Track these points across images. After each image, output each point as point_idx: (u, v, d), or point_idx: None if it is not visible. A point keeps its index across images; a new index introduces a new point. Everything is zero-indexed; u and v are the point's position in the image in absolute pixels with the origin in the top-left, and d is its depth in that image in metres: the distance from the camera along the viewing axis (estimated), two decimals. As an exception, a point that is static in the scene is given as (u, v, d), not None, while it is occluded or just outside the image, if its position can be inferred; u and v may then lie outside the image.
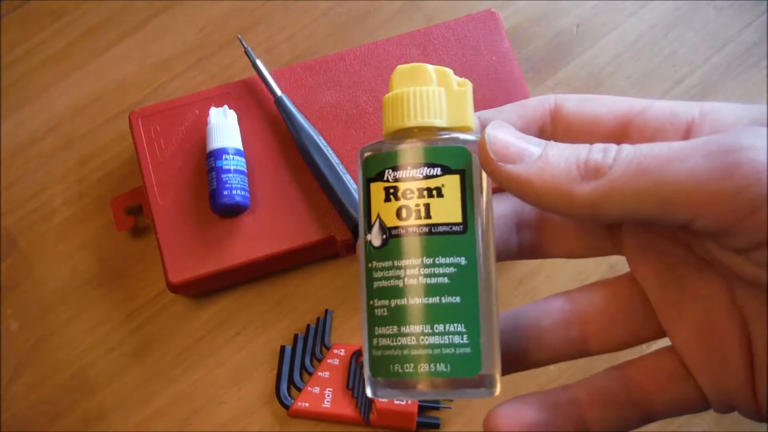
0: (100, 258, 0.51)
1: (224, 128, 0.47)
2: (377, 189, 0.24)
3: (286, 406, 0.47)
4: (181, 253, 0.46)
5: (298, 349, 0.48)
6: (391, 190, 0.24)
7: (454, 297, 0.24)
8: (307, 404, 0.47)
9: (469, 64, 0.50)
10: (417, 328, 0.24)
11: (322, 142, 0.47)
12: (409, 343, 0.23)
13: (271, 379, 0.48)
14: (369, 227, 0.25)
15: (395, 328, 0.24)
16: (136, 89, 0.55)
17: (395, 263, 0.24)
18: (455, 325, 0.24)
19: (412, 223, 0.24)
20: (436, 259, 0.24)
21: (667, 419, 0.47)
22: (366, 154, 0.25)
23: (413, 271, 0.24)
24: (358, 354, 0.47)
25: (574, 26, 0.56)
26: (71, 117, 0.54)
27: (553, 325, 0.28)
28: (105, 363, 0.49)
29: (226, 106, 0.48)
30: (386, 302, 0.24)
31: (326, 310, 0.49)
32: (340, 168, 0.47)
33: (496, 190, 0.26)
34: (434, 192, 0.24)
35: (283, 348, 0.48)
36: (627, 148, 0.23)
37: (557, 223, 0.29)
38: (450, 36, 0.51)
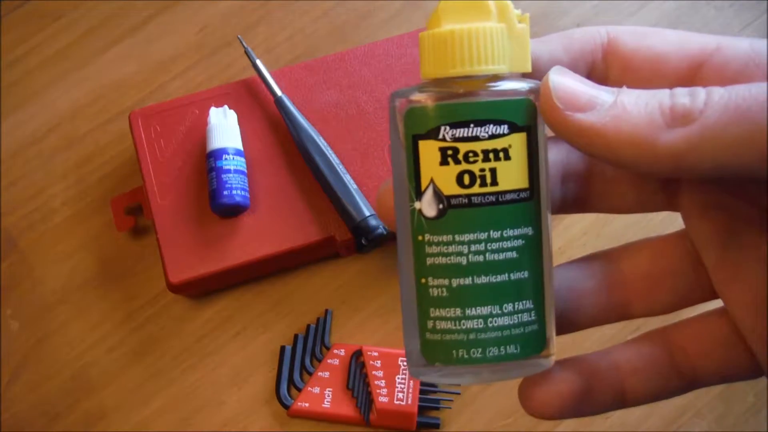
0: (100, 258, 0.51)
1: (224, 128, 0.47)
2: (430, 149, 0.20)
3: (286, 406, 0.47)
4: (181, 253, 0.46)
5: (298, 349, 0.48)
6: (450, 152, 0.20)
7: (522, 272, 0.22)
8: (307, 404, 0.47)
9: (469, 64, 0.50)
10: (485, 310, 0.21)
11: (322, 142, 0.47)
12: (476, 326, 0.21)
13: (271, 379, 0.48)
14: (418, 194, 0.21)
15: (458, 311, 0.21)
16: (136, 89, 0.55)
17: (456, 237, 0.21)
18: (524, 302, 0.22)
19: (476, 191, 0.21)
20: (504, 231, 0.21)
21: (666, 419, 0.47)
22: (411, 105, 0.21)
23: (479, 246, 0.21)
24: (358, 354, 0.47)
25: (574, 26, 0.56)
26: (71, 117, 0.54)
27: (594, 288, 0.26)
28: (105, 363, 0.49)
29: (226, 106, 0.48)
30: (445, 281, 0.21)
31: (326, 310, 0.49)
32: (340, 168, 0.47)
33: None
34: (501, 154, 0.21)
35: (283, 348, 0.48)
36: (719, 91, 0.20)
37: (608, 175, 0.26)
38: (450, 36, 0.51)
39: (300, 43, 0.56)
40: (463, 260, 0.21)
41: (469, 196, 0.21)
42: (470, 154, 0.20)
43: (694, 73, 0.23)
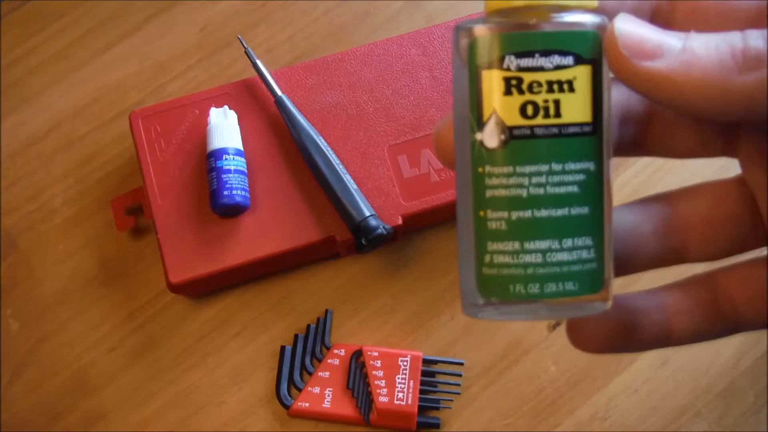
0: (101, 258, 0.51)
1: (224, 128, 0.47)
2: (494, 79, 0.20)
3: (286, 406, 0.47)
4: (181, 253, 0.46)
5: (298, 349, 0.48)
6: (514, 82, 0.20)
7: (582, 207, 0.21)
8: (307, 404, 0.47)
9: (469, 64, 0.50)
10: (544, 244, 0.21)
11: (322, 142, 0.47)
12: (534, 260, 0.21)
13: (271, 379, 0.48)
14: (479, 124, 0.20)
15: (517, 244, 0.21)
16: (136, 89, 0.55)
17: (517, 169, 0.20)
18: (583, 238, 0.21)
19: (539, 122, 0.20)
20: (566, 165, 0.21)
21: (666, 419, 0.47)
22: (476, 35, 0.20)
23: (540, 179, 0.21)
24: (358, 354, 0.47)
25: (574, 26, 0.56)
26: (71, 117, 0.54)
27: (652, 231, 0.26)
28: (105, 363, 0.49)
29: (226, 107, 0.48)
30: (505, 214, 0.21)
31: (326, 310, 0.49)
32: (340, 168, 0.47)
33: None
34: (565, 86, 0.20)
35: (283, 348, 0.48)
36: None
37: (668, 118, 0.25)
38: (450, 36, 0.51)
39: (300, 43, 0.56)
40: (524, 192, 0.21)
41: (532, 127, 0.20)
42: (534, 85, 0.20)
43: (764, 14, 0.22)
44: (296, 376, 0.48)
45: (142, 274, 0.51)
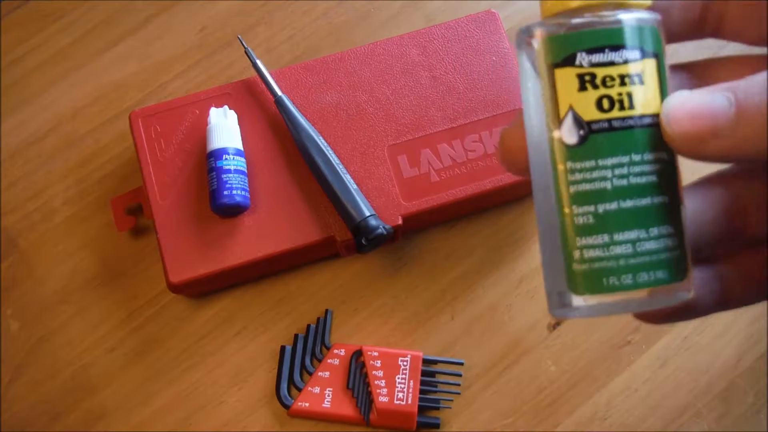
0: (101, 258, 0.51)
1: (224, 128, 0.47)
2: (567, 76, 0.21)
3: (286, 406, 0.47)
4: (181, 253, 0.46)
5: (298, 349, 0.48)
6: (587, 77, 0.21)
7: (663, 196, 0.22)
8: (307, 404, 0.47)
9: (469, 64, 0.50)
10: (632, 234, 0.21)
11: (322, 142, 0.47)
12: (625, 251, 0.21)
13: (271, 379, 0.48)
14: (557, 122, 0.21)
15: (606, 237, 0.21)
16: (136, 89, 0.55)
17: (599, 162, 0.21)
18: (667, 227, 0.22)
19: (615, 115, 0.21)
20: (644, 155, 0.21)
21: (666, 419, 0.47)
22: (544, 35, 0.21)
23: (622, 170, 0.21)
24: (358, 354, 0.47)
25: (574, 26, 0.56)
26: (71, 117, 0.54)
27: (715, 217, 0.25)
28: (105, 363, 0.49)
29: (226, 107, 0.48)
30: (591, 208, 0.21)
31: (326, 310, 0.49)
32: (340, 168, 0.47)
33: None
34: (636, 79, 0.21)
35: (283, 348, 0.48)
36: None
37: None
38: (450, 36, 0.51)
39: (300, 43, 0.56)
40: (608, 185, 0.21)
41: (609, 120, 0.21)
42: (608, 79, 0.21)
43: None
44: (296, 376, 0.48)
45: (142, 274, 0.51)
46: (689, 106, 0.21)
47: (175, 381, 0.49)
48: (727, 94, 0.21)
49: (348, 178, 0.46)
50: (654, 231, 0.22)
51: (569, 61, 0.21)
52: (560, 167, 0.21)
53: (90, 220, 0.52)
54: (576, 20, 0.21)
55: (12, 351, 0.49)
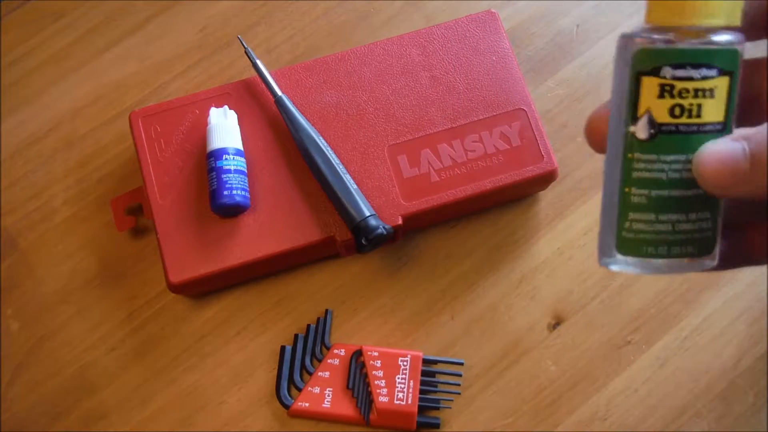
0: (101, 258, 0.51)
1: (224, 128, 0.47)
2: (650, 84, 0.25)
3: (286, 406, 0.47)
4: (181, 253, 0.46)
5: (298, 349, 0.48)
6: (667, 88, 0.24)
7: None
8: (307, 404, 0.47)
9: (469, 64, 0.50)
10: (674, 217, 0.26)
11: (322, 142, 0.47)
12: (665, 229, 0.26)
13: (271, 379, 0.48)
14: (633, 119, 0.25)
15: (653, 216, 0.26)
16: (136, 89, 0.55)
17: (661, 158, 0.25)
18: (705, 212, 0.26)
19: (683, 121, 0.25)
20: None
21: (666, 419, 0.47)
22: (639, 47, 0.25)
23: (678, 166, 0.25)
24: (358, 354, 0.47)
25: (574, 26, 0.56)
26: (71, 117, 0.54)
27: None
28: (105, 363, 0.49)
29: (226, 106, 0.48)
30: (646, 192, 0.26)
31: (326, 310, 0.49)
32: (340, 168, 0.47)
33: None
34: (708, 93, 0.24)
35: (283, 348, 0.48)
36: None
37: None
38: (450, 36, 0.51)
39: (300, 43, 0.56)
40: (664, 176, 0.25)
41: (677, 125, 0.25)
42: (683, 91, 0.25)
43: None
44: (296, 376, 0.48)
45: (142, 274, 0.51)
46: (715, 155, 0.24)
47: (175, 381, 0.49)
48: (743, 144, 0.24)
49: (348, 178, 0.46)
50: (692, 216, 0.26)
51: (655, 72, 0.25)
52: (629, 155, 0.26)
53: (90, 220, 0.52)
54: (666, 37, 0.25)
55: (12, 351, 0.49)
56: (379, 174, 0.48)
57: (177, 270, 0.46)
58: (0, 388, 0.49)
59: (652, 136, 0.25)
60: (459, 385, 0.47)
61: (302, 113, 0.48)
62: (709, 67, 0.24)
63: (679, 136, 0.25)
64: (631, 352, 0.49)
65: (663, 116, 0.25)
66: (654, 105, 0.25)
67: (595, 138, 0.28)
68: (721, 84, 0.25)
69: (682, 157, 0.25)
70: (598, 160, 0.53)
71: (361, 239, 0.45)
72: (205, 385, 0.49)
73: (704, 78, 0.24)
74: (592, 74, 0.55)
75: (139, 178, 0.50)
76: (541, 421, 0.48)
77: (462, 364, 0.48)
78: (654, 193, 0.26)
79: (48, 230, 0.52)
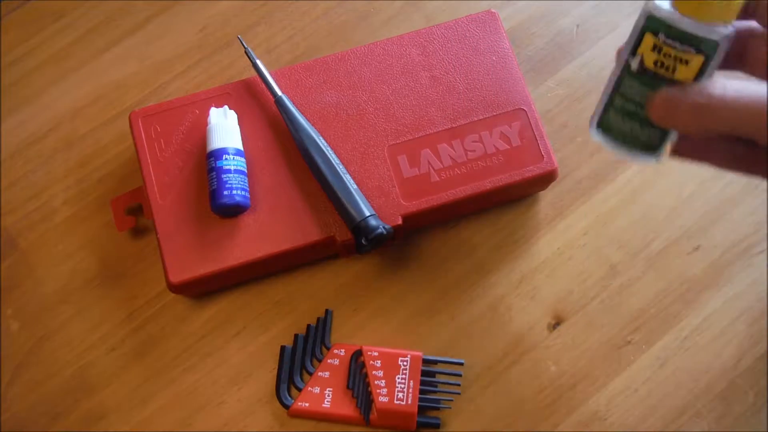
0: (101, 258, 0.51)
1: (224, 128, 0.47)
2: (649, 39, 0.34)
3: (286, 406, 0.47)
4: (181, 253, 0.47)
5: (298, 349, 0.48)
6: (657, 46, 0.33)
7: None
8: (307, 404, 0.47)
9: (469, 64, 0.50)
10: (634, 124, 0.36)
11: (322, 142, 0.47)
12: (627, 128, 0.36)
13: (271, 379, 0.48)
14: (632, 55, 0.34)
15: (621, 117, 0.36)
16: (136, 89, 0.55)
17: (639, 86, 0.35)
18: (654, 129, 0.35)
19: (661, 72, 0.34)
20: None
21: (666, 419, 0.47)
22: (654, 13, 0.33)
23: (645, 94, 0.34)
24: (358, 354, 0.47)
25: (574, 26, 0.56)
26: (71, 117, 0.54)
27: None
28: (105, 363, 0.49)
29: (226, 106, 0.48)
30: (622, 102, 0.36)
31: (326, 310, 0.49)
32: (340, 168, 0.47)
33: None
34: (683, 61, 0.33)
35: (283, 348, 0.48)
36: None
37: None
38: (450, 36, 0.51)
39: (300, 43, 0.56)
40: (636, 97, 0.35)
41: (655, 72, 0.34)
42: (667, 54, 0.33)
43: None
44: (296, 376, 0.48)
45: (142, 274, 0.51)
46: (663, 95, 0.34)
47: (175, 381, 0.49)
48: (681, 94, 0.33)
49: (348, 178, 0.46)
50: (645, 128, 0.36)
51: (654, 33, 0.33)
52: (622, 75, 0.35)
53: (90, 220, 0.52)
54: (671, 14, 0.33)
55: (12, 351, 0.49)
56: (379, 174, 0.48)
57: (177, 270, 0.46)
58: (0, 388, 0.49)
59: (639, 72, 0.34)
60: (459, 385, 0.47)
61: (302, 113, 0.48)
62: (690, 45, 0.33)
63: (655, 78, 0.34)
64: (631, 352, 0.49)
65: (649, 63, 0.34)
66: (646, 53, 0.34)
67: (618, 53, 0.36)
68: (696, 59, 0.33)
69: (650, 91, 0.34)
70: (598, 161, 0.53)
71: (361, 239, 0.45)
72: (205, 385, 0.49)
73: (684, 51, 0.33)
74: (592, 74, 0.55)
75: (139, 178, 0.50)
76: (541, 421, 0.48)
77: (462, 364, 0.48)
78: (627, 105, 0.36)
79: (48, 230, 0.52)
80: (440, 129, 0.49)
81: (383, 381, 0.46)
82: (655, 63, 0.34)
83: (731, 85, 0.33)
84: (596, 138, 0.38)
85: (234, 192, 0.46)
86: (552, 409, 0.48)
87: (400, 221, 0.47)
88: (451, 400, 0.47)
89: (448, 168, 0.48)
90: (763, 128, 0.33)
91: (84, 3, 0.57)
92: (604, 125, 0.38)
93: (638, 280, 0.50)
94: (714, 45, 0.33)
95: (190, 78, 0.55)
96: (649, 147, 0.37)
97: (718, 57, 0.33)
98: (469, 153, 0.48)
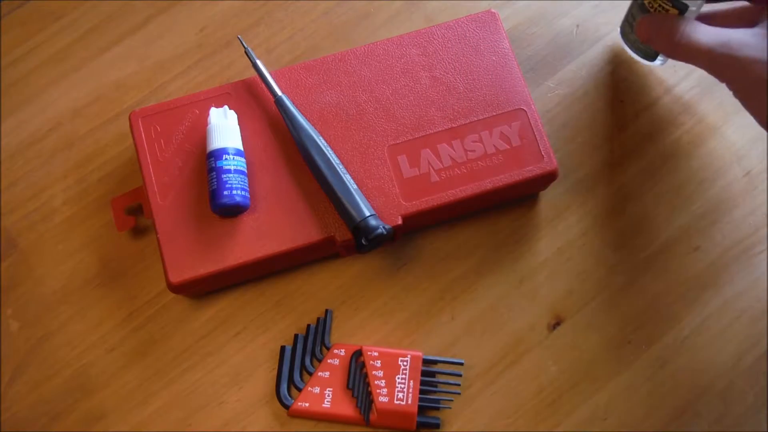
0: (101, 258, 0.51)
1: (224, 128, 0.47)
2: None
3: (286, 406, 0.47)
4: (181, 253, 0.47)
5: (298, 349, 0.48)
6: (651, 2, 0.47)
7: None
8: (307, 404, 0.47)
9: (469, 64, 0.50)
10: (635, 37, 0.51)
11: (322, 142, 0.47)
12: (633, 38, 0.52)
13: (271, 379, 0.48)
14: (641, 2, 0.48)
15: (630, 30, 0.51)
16: (136, 89, 0.55)
17: (638, 13, 0.48)
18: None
19: (654, 6, 0.47)
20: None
21: (666, 419, 0.47)
22: None
23: (639, 15, 0.48)
24: (358, 354, 0.47)
25: (574, 26, 0.56)
26: (71, 117, 0.54)
27: None
28: (105, 363, 0.49)
29: (226, 107, 0.48)
30: (632, 19, 0.50)
31: (326, 310, 0.49)
32: (340, 168, 0.47)
33: None
34: (662, 9, 0.46)
35: (283, 348, 0.48)
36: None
37: None
38: (450, 36, 0.51)
39: (300, 43, 0.56)
40: (632, 19, 0.51)
41: (650, 8, 0.48)
42: (660, 4, 0.46)
43: None
44: (296, 376, 0.48)
45: (142, 274, 0.51)
46: (646, 19, 0.47)
47: (175, 381, 0.49)
48: (661, 23, 0.46)
49: (348, 178, 0.46)
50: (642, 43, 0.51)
51: None
52: (634, 4, 0.49)
53: (90, 220, 0.52)
54: None
55: (12, 351, 0.49)
56: (379, 174, 0.48)
57: (177, 270, 0.46)
58: (0, 388, 0.49)
59: (641, 8, 0.48)
60: (459, 385, 0.47)
61: (302, 113, 0.48)
62: (670, 3, 0.46)
63: (647, 12, 0.48)
64: (631, 352, 0.49)
65: (649, 4, 0.47)
66: (647, 1, 0.48)
67: None
68: (672, 10, 0.45)
69: (644, 14, 0.48)
70: (598, 161, 0.53)
71: (361, 239, 0.45)
72: (205, 385, 0.49)
73: (666, 4, 0.46)
74: (592, 74, 0.55)
75: (139, 178, 0.50)
76: (541, 421, 0.48)
77: (462, 364, 0.48)
78: (633, 23, 0.50)
79: (48, 230, 0.52)
80: (440, 129, 0.49)
81: (383, 381, 0.46)
82: (650, 5, 0.47)
83: (701, 30, 0.42)
84: (621, 40, 0.53)
85: (234, 192, 0.46)
86: (552, 409, 0.48)
87: (400, 221, 0.47)
88: (451, 400, 0.47)
89: (448, 168, 0.48)
90: (720, 73, 0.41)
91: (84, 3, 0.57)
92: (622, 33, 0.53)
93: (638, 280, 0.50)
94: (685, 7, 0.45)
95: (190, 78, 0.55)
96: (649, 55, 0.51)
97: (691, 14, 0.45)
98: (469, 153, 0.48)
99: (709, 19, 0.47)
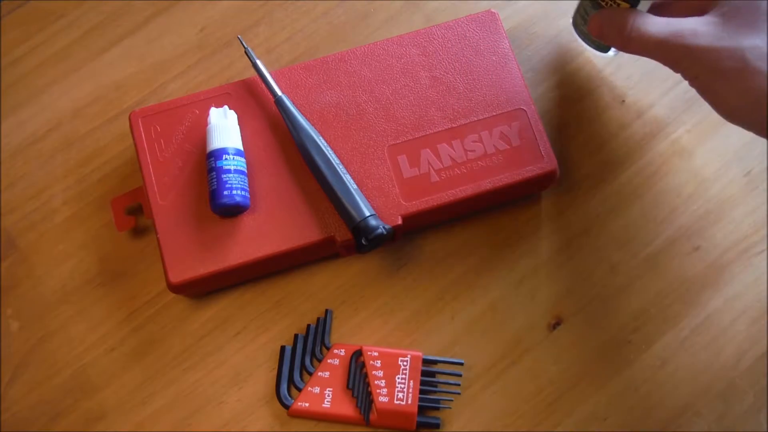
0: (101, 258, 0.51)
1: (224, 128, 0.47)
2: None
3: (286, 406, 0.47)
4: (181, 253, 0.47)
5: (298, 349, 0.48)
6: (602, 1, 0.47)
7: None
8: (307, 404, 0.47)
9: (469, 64, 0.50)
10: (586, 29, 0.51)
11: (322, 142, 0.47)
12: (585, 30, 0.51)
13: (271, 379, 0.48)
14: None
15: (581, 22, 0.51)
16: (136, 89, 0.55)
17: (590, 8, 0.49)
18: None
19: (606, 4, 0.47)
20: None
21: (666, 419, 0.47)
22: None
23: (591, 12, 0.49)
24: (358, 354, 0.47)
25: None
26: (71, 117, 0.54)
27: None
28: (105, 363, 0.49)
29: (226, 107, 0.48)
30: (583, 12, 0.50)
31: (326, 310, 0.49)
32: (340, 168, 0.47)
33: None
34: (615, 5, 0.46)
35: (283, 348, 0.48)
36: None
37: None
38: (450, 36, 0.51)
39: (300, 43, 0.56)
40: (589, 14, 0.49)
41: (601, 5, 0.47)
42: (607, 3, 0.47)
43: None
44: (296, 376, 0.48)
45: (142, 274, 0.51)
46: (597, 15, 0.47)
47: (175, 381, 0.49)
48: (612, 18, 0.46)
49: (348, 178, 0.46)
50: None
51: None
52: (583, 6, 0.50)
53: (90, 220, 0.52)
54: None
55: (12, 351, 0.49)
56: (379, 174, 0.48)
57: (177, 270, 0.46)
58: (0, 388, 0.49)
59: (594, 3, 0.48)
60: (459, 385, 0.47)
61: (302, 113, 0.48)
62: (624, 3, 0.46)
63: (599, 7, 0.47)
64: (631, 352, 0.49)
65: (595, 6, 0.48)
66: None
67: None
68: (624, 4, 0.45)
69: (593, 11, 0.48)
70: (598, 161, 0.53)
71: (361, 239, 0.45)
72: (205, 385, 0.49)
73: (616, 5, 0.46)
74: (592, 74, 0.55)
75: (139, 178, 0.50)
76: (541, 421, 0.48)
77: (462, 364, 0.48)
78: (585, 16, 0.50)
79: (48, 230, 0.52)
80: (440, 129, 0.49)
81: (383, 381, 0.46)
82: (603, 0, 0.47)
83: (651, 22, 0.43)
84: (574, 31, 0.53)
85: (234, 192, 0.46)
86: (552, 409, 0.48)
87: (400, 221, 0.47)
88: (451, 400, 0.47)
89: (448, 168, 0.48)
90: (675, 64, 0.41)
91: (84, 3, 0.57)
92: (574, 25, 0.53)
93: (638, 280, 0.50)
94: (637, 2, 0.45)
95: (190, 78, 0.55)
96: (601, 47, 0.52)
97: (643, 6, 0.45)
98: (469, 153, 0.48)
99: (661, 9, 0.46)
